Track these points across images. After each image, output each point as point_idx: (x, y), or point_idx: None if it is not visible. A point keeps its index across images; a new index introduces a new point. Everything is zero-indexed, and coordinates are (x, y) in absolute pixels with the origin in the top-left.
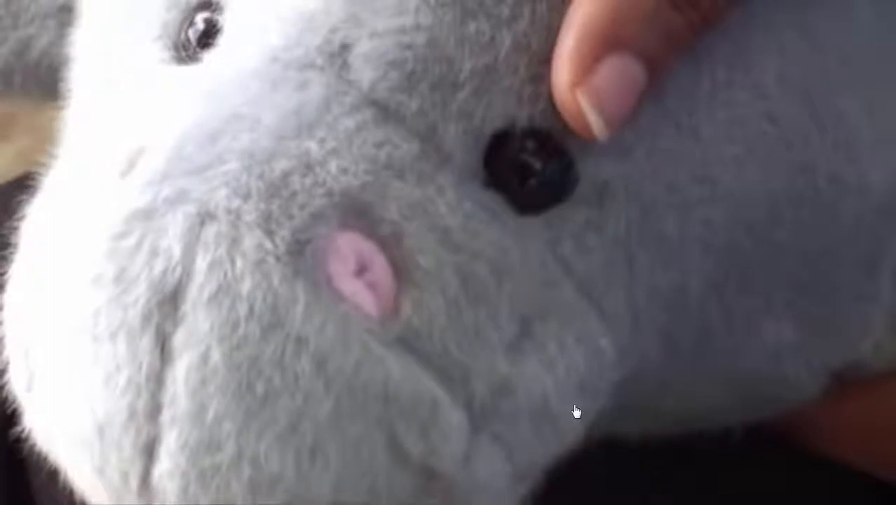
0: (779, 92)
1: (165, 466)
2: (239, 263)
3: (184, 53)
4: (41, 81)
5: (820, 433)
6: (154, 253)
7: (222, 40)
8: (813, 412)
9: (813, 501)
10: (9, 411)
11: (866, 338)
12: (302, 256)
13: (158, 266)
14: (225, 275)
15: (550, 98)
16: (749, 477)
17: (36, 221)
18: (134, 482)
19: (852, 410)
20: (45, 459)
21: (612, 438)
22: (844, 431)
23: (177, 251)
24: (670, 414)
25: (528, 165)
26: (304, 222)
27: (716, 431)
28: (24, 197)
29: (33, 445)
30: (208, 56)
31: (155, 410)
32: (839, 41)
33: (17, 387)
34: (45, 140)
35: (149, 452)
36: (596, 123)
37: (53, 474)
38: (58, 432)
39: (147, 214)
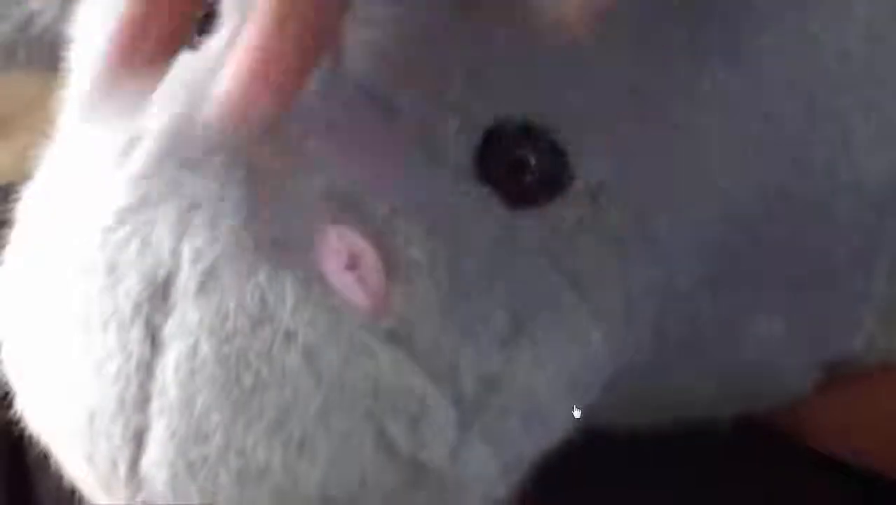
0: (777, 91)
1: (154, 455)
2: (226, 256)
3: None
4: (44, 58)
5: (811, 427)
6: (145, 245)
7: (219, 26)
8: (803, 406)
9: (808, 495)
10: (5, 393)
11: (858, 333)
12: (292, 249)
13: (149, 258)
14: (212, 267)
15: (546, 92)
16: (747, 471)
17: (30, 209)
18: (122, 471)
19: (842, 404)
20: (38, 443)
21: (602, 431)
22: (834, 425)
23: (167, 243)
24: (661, 407)
25: (521, 161)
26: (295, 216)
27: (707, 424)
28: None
29: (27, 428)
30: (204, 42)
31: (144, 400)
32: (838, 40)
33: (10, 372)
34: (45, 139)
35: (138, 441)
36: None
37: (45, 458)
38: (48, 419)
39: (139, 207)
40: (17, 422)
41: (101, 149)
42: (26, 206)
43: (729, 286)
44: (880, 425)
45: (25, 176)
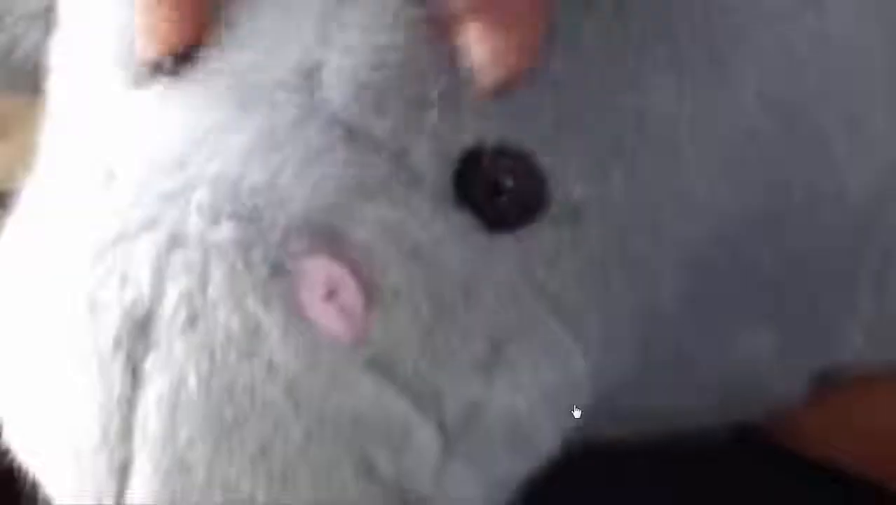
0: (758, 108)
1: (138, 488)
2: (211, 290)
3: (154, 69)
4: (28, 81)
5: (801, 435)
6: (124, 280)
7: (196, 55)
8: (794, 415)
9: (808, 496)
10: None
11: (845, 347)
12: (272, 280)
13: (128, 293)
14: (197, 301)
15: (521, 115)
16: (746, 472)
17: (11, 243)
18: (108, 504)
19: (833, 412)
20: (27, 474)
21: (596, 442)
22: (825, 433)
23: (146, 278)
24: (652, 418)
25: (498, 184)
26: (274, 247)
27: (700, 433)
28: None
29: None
30: (180, 71)
31: (127, 434)
32: (819, 56)
33: None
34: (41, 142)
35: (122, 474)
36: None
37: (35, 490)
38: (35, 451)
39: (116, 242)
40: (6, 453)
41: (75, 183)
42: (6, 240)
43: (713, 303)
44: (871, 434)
45: (21, 179)
